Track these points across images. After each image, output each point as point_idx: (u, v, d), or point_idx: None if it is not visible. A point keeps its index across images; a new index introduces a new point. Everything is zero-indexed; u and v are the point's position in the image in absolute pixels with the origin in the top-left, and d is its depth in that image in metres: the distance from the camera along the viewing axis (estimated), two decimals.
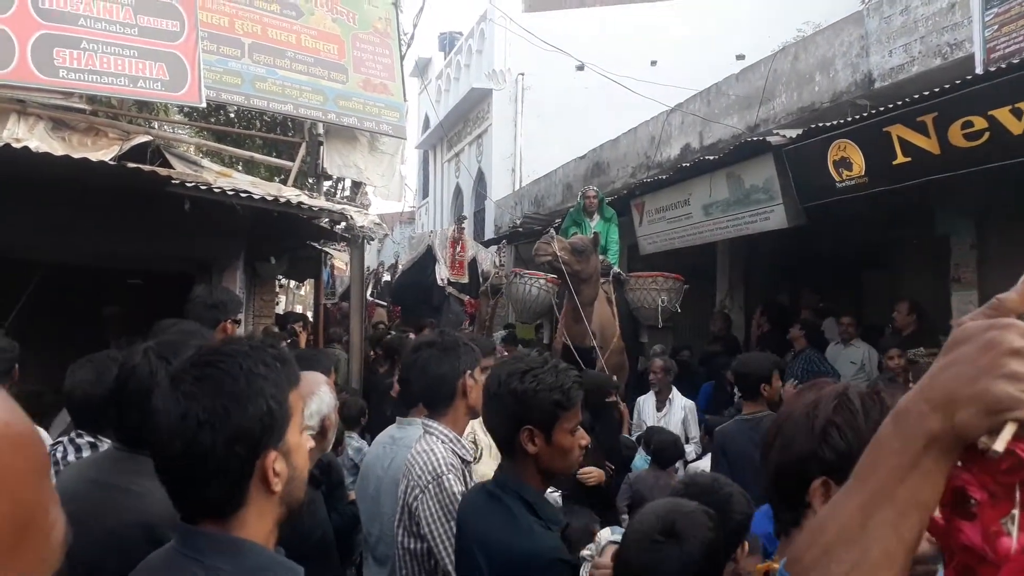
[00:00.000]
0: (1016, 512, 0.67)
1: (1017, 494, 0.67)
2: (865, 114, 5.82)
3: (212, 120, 12.31)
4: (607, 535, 1.86)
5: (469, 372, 2.55)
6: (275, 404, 1.29)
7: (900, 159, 5.48)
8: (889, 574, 0.69)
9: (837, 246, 8.07)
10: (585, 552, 1.90)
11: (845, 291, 8.58)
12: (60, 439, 2.60)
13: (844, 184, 6.03)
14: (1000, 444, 0.65)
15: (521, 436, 1.99)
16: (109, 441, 2.44)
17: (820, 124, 6.23)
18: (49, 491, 0.54)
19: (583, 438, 2.08)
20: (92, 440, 2.54)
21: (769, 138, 6.76)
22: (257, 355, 1.31)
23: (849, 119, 5.95)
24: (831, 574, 0.70)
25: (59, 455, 2.51)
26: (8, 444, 0.51)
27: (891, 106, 5.46)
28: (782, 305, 8.73)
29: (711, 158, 7.65)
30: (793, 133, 6.60)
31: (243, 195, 6.13)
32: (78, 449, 2.54)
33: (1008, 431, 0.65)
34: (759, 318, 8.14)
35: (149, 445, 1.30)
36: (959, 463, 0.70)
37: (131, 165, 5.69)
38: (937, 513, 0.71)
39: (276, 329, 8.35)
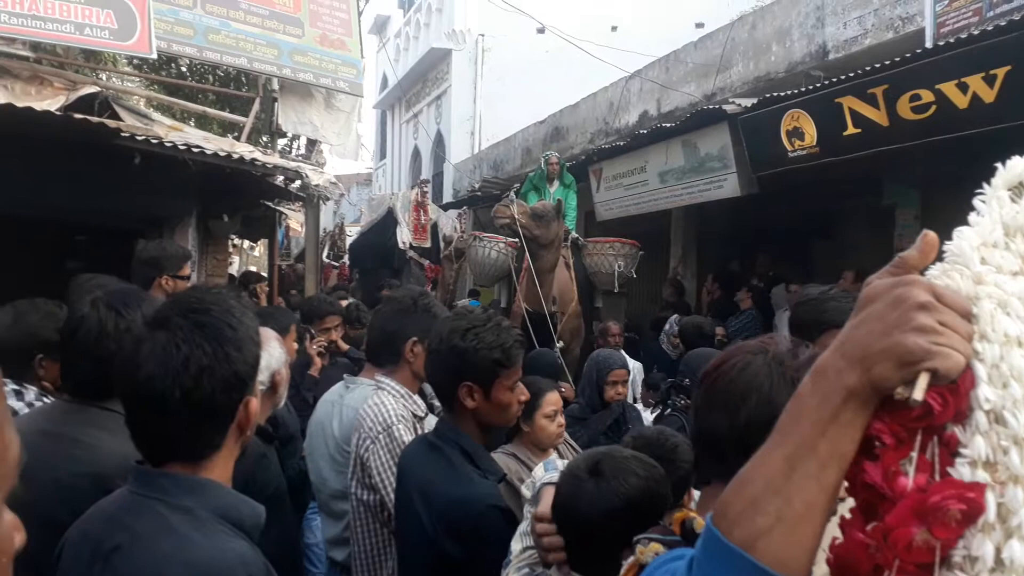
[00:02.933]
0: (914, 454, 0.72)
1: (918, 438, 0.72)
2: (818, 84, 5.92)
3: (163, 73, 11.97)
4: (540, 473, 1.89)
5: (414, 339, 2.54)
6: (258, 351, 1.34)
7: (850, 130, 5.59)
8: (812, 523, 0.73)
9: (788, 215, 8.22)
10: (524, 490, 1.95)
11: (795, 260, 8.77)
12: None
13: (796, 154, 6.14)
14: (919, 393, 0.69)
15: (460, 391, 2.03)
16: (34, 389, 2.41)
17: (774, 94, 6.31)
18: (3, 412, 0.55)
19: (522, 394, 2.13)
20: (17, 388, 2.44)
21: (725, 106, 6.83)
22: (240, 304, 1.36)
23: (803, 89, 6.04)
24: (757, 525, 0.73)
25: None
26: None
27: (843, 77, 5.55)
28: (733, 272, 8.90)
29: (668, 125, 7.70)
30: (748, 102, 6.67)
31: (195, 150, 6.01)
32: None
33: (923, 380, 0.70)
34: (711, 285, 8.30)
35: (127, 393, 1.30)
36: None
37: (78, 116, 5.53)
38: None
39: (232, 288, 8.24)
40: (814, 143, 5.96)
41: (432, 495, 1.98)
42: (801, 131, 6.05)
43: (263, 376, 2.50)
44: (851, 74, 5.47)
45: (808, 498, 0.72)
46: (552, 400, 2.75)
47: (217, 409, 1.29)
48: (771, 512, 0.73)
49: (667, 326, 7.11)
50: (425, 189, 14.23)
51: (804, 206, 7.97)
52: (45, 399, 2.32)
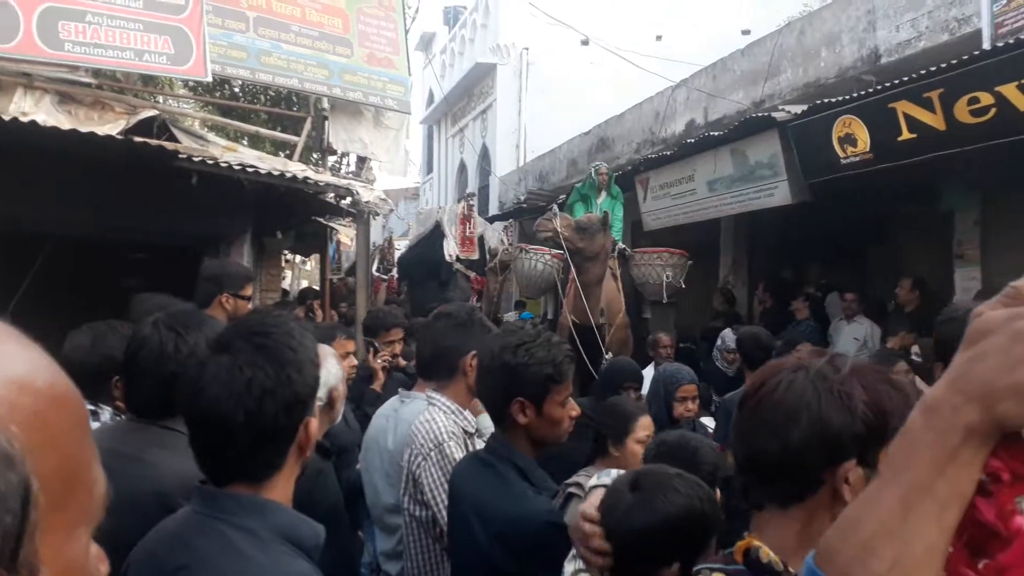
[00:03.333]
0: None
1: None
2: (871, 90, 5.81)
3: (217, 94, 12.29)
4: (593, 480, 1.88)
5: (474, 353, 2.52)
6: (317, 372, 1.37)
7: (905, 135, 5.47)
8: (931, 567, 0.70)
9: (841, 222, 8.07)
10: (572, 488, 1.95)
11: (849, 267, 8.60)
12: None
13: (849, 160, 6.03)
14: None
15: (512, 407, 2.03)
16: (108, 408, 2.48)
17: (825, 100, 6.21)
18: (91, 448, 0.57)
19: (573, 409, 2.11)
20: (93, 408, 2.51)
21: (774, 114, 6.74)
22: (298, 326, 1.39)
23: (855, 95, 5.93)
24: (871, 570, 0.70)
25: None
26: (53, 402, 0.53)
27: (897, 82, 5.44)
28: (785, 281, 8.76)
29: (716, 134, 7.63)
30: (798, 109, 6.58)
31: (249, 170, 6.15)
32: None
33: None
34: (762, 294, 8.17)
35: (191, 415, 1.33)
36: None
37: (137, 139, 5.71)
38: None
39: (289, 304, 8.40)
40: (867, 149, 5.85)
41: (488, 513, 1.99)
42: (854, 137, 5.94)
43: (320, 392, 2.54)
44: (905, 78, 5.36)
45: (928, 541, 0.70)
46: (645, 424, 2.73)
47: (279, 430, 1.31)
48: (887, 556, 0.70)
49: (719, 341, 6.85)
50: (471, 202, 14.32)
51: (858, 213, 7.82)
52: (119, 419, 2.39)
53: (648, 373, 6.37)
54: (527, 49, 17.53)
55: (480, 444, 2.52)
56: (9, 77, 6.62)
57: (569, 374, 2.08)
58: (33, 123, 5.20)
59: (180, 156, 5.78)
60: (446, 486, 2.30)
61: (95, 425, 2.42)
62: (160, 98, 10.29)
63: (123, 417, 2.36)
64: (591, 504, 1.66)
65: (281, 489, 1.35)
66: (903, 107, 5.41)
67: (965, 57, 4.91)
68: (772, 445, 1.13)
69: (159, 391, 1.84)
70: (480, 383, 2.22)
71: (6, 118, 5.18)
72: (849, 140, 5.98)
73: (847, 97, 5.98)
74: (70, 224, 6.50)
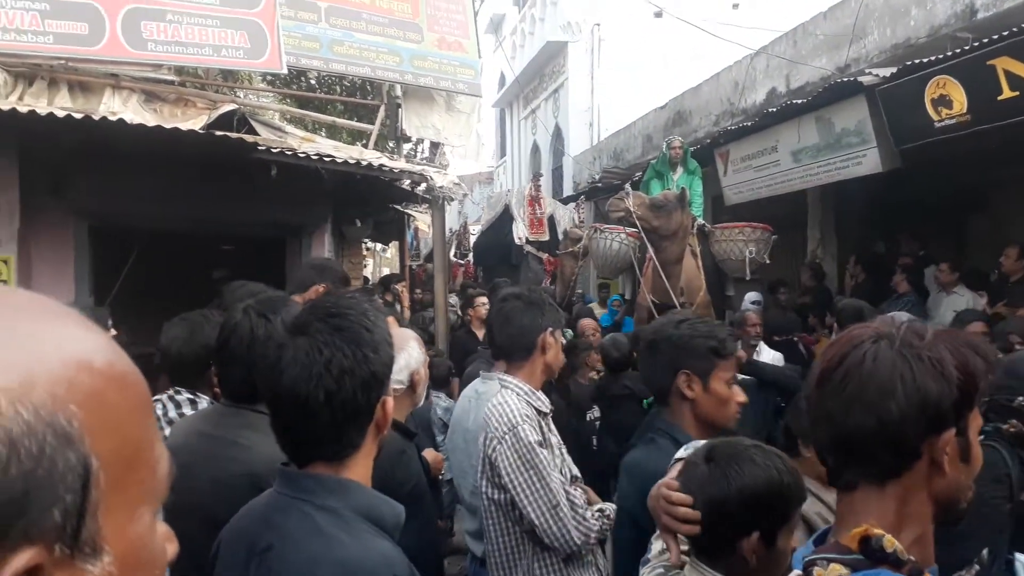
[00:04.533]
0: None
1: None
2: (967, 47, 5.47)
3: (294, 87, 12.56)
4: (681, 452, 1.83)
5: (551, 330, 2.56)
6: (392, 352, 1.38)
7: (1007, 94, 5.14)
8: None
9: (936, 190, 7.67)
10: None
11: (947, 238, 8.17)
12: (159, 396, 2.64)
13: (944, 123, 5.71)
14: None
15: (679, 380, 2.05)
16: (207, 397, 2.56)
17: (917, 61, 5.88)
18: (153, 428, 0.57)
19: (740, 395, 2.09)
20: (191, 396, 2.61)
21: (861, 78, 6.43)
22: (373, 307, 1.41)
23: (949, 54, 5.60)
24: None
25: (159, 411, 2.58)
26: (114, 382, 0.53)
27: (995, 37, 5.11)
28: (878, 254, 8.39)
29: (799, 102, 7.35)
30: (887, 72, 6.26)
31: (327, 159, 6.25)
32: (178, 405, 2.58)
33: None
34: (854, 268, 7.85)
35: (272, 397, 1.35)
36: None
37: (219, 133, 5.87)
38: None
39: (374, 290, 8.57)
40: (964, 111, 5.52)
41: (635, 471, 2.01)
42: (948, 99, 5.62)
43: (403, 375, 2.55)
44: (1005, 32, 5.02)
45: None
46: None
47: (358, 409, 1.32)
48: None
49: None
50: (538, 183, 14.23)
51: (955, 179, 7.41)
52: (215, 404, 2.47)
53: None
54: (598, 25, 17.25)
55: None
56: (97, 78, 6.89)
57: (734, 351, 2.08)
58: (121, 121, 5.39)
59: (259, 148, 5.91)
60: (523, 468, 2.31)
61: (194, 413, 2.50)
62: (240, 93, 10.58)
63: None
64: (671, 476, 1.63)
65: (361, 468, 1.37)
66: (1003, 63, 5.09)
67: None
68: (868, 421, 1.07)
69: (250, 375, 1.88)
70: (642, 361, 2.24)
71: (96, 118, 5.40)
72: (943, 102, 5.66)
73: (941, 57, 5.65)
74: (160, 219, 6.75)
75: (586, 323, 6.25)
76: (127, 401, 0.54)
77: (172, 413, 2.58)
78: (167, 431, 2.55)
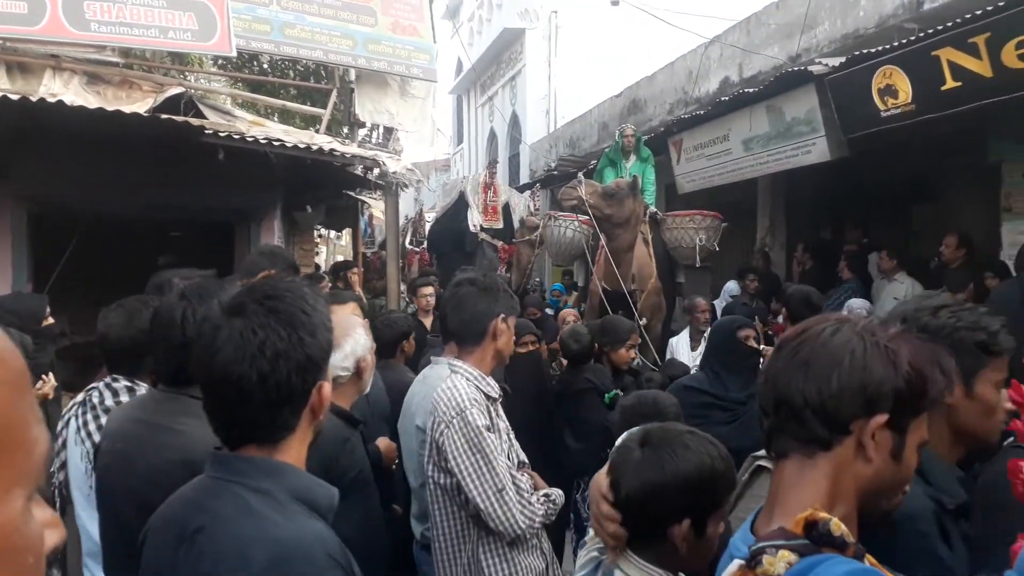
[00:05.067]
0: None
1: None
2: (913, 38, 5.57)
3: (247, 71, 12.29)
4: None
5: (503, 316, 2.55)
6: (331, 336, 1.37)
7: (950, 84, 5.24)
8: None
9: (882, 179, 7.82)
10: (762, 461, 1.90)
11: (892, 225, 8.35)
12: (95, 384, 2.58)
13: (890, 113, 5.81)
14: None
15: None
16: (145, 385, 2.49)
17: (865, 51, 5.98)
18: (29, 408, 0.53)
19: (1008, 402, 1.58)
20: (129, 384, 2.54)
21: (811, 67, 6.52)
22: (312, 291, 1.39)
23: (896, 44, 5.70)
24: None
25: (95, 400, 2.52)
26: None
27: (940, 28, 5.21)
28: (824, 242, 8.55)
29: (751, 91, 7.42)
30: (836, 61, 6.35)
31: (276, 144, 6.13)
32: (115, 393, 2.52)
33: None
34: (802, 255, 7.99)
35: (206, 378, 1.33)
36: None
37: (164, 116, 5.72)
38: None
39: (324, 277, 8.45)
40: (909, 100, 5.63)
41: None
42: (894, 88, 5.72)
43: (348, 363, 2.52)
44: (949, 24, 5.13)
45: None
46: None
47: (292, 392, 1.31)
48: None
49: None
50: (494, 170, 14.19)
51: (900, 168, 7.57)
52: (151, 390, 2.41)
53: (682, 339, 6.30)
54: (556, 12, 17.24)
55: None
56: (37, 59, 6.67)
57: (1008, 348, 1.63)
58: (61, 103, 5.22)
59: (206, 132, 5.78)
60: (470, 452, 2.30)
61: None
62: (191, 76, 10.32)
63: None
64: (600, 474, 1.62)
65: (295, 452, 1.35)
66: (947, 54, 5.19)
67: None
68: (809, 387, 1.10)
69: (184, 359, 1.84)
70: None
71: (34, 99, 5.22)
72: (890, 92, 5.76)
73: (888, 47, 5.75)
74: (104, 204, 6.56)
75: (566, 313, 6.49)
76: None
77: (109, 401, 2.51)
78: (103, 420, 2.49)
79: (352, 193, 10.00)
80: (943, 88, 5.30)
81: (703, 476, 1.50)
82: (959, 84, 5.18)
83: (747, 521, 1.20)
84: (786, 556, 0.99)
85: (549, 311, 8.52)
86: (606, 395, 4.21)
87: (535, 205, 13.85)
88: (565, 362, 4.79)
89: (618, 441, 1.77)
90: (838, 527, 1.01)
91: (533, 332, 4.60)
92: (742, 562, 1.05)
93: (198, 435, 1.75)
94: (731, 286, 8.05)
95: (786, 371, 1.13)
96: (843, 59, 6.24)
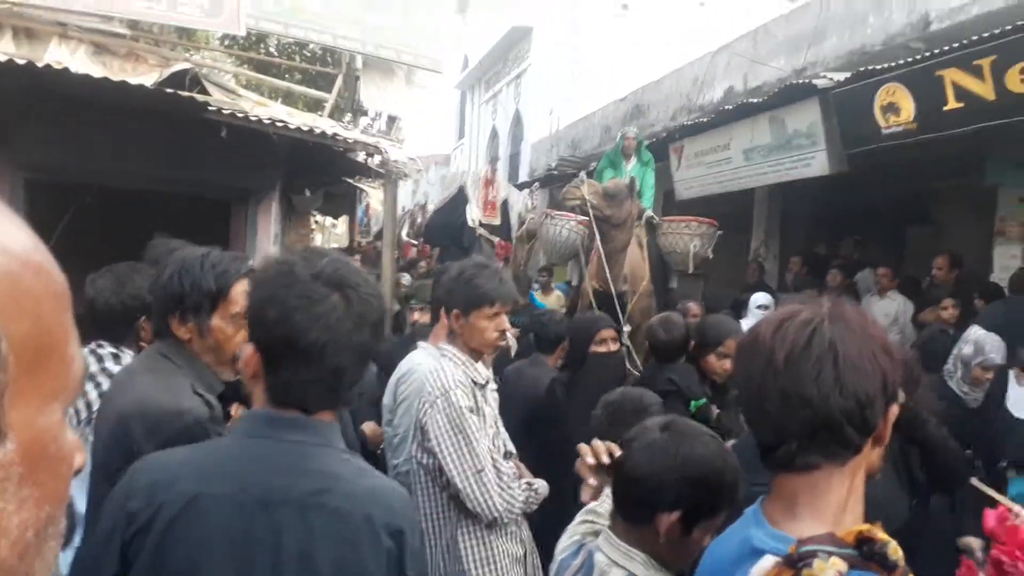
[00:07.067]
0: None
1: None
2: (919, 56, 5.61)
3: (254, 53, 12.28)
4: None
5: (457, 312, 2.48)
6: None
7: (952, 104, 5.28)
8: None
9: (880, 196, 7.87)
10: None
11: (886, 243, 8.40)
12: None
13: (891, 130, 5.85)
14: None
15: None
16: (130, 352, 2.47)
17: (870, 67, 6.02)
18: (70, 326, 0.54)
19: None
20: (114, 351, 2.47)
21: (815, 81, 6.55)
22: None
23: (901, 62, 5.74)
24: None
25: None
26: (31, 269, 0.51)
27: (946, 48, 5.24)
28: (819, 256, 8.60)
29: (755, 101, 7.45)
30: (841, 76, 6.38)
31: (278, 124, 6.13)
32: (100, 359, 2.46)
33: None
34: (798, 268, 8.03)
35: (308, 345, 1.33)
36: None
37: (168, 90, 5.70)
38: None
39: None
40: (911, 119, 5.66)
41: None
42: (897, 106, 5.75)
43: None
44: (955, 44, 5.16)
45: None
46: None
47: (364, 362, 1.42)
48: None
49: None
50: (495, 167, 14.20)
51: (898, 187, 7.61)
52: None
53: None
54: (565, 13, 17.23)
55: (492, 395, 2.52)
56: (45, 26, 6.64)
57: None
58: (66, 70, 5.19)
59: (210, 108, 5.76)
60: (452, 433, 2.33)
61: (117, 368, 2.41)
62: (198, 55, 10.30)
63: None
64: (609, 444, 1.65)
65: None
66: (951, 75, 5.22)
67: (1021, 22, 4.70)
68: (848, 403, 1.05)
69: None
70: None
71: (40, 65, 5.19)
72: (892, 109, 5.79)
73: (893, 64, 5.78)
74: (103, 175, 6.54)
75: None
76: (44, 288, 0.52)
77: (94, 367, 2.46)
78: (87, 385, 2.46)
79: (351, 180, 10.00)
80: (945, 108, 5.33)
81: (708, 475, 1.50)
82: (961, 105, 5.22)
83: (755, 514, 1.15)
84: (837, 564, 0.97)
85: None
86: (692, 402, 3.42)
87: (532, 204, 13.87)
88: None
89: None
90: (896, 552, 0.99)
91: (612, 327, 3.92)
92: (778, 559, 1.01)
93: (139, 389, 1.79)
94: (760, 297, 7.55)
95: (819, 392, 1.06)
96: (848, 74, 6.27)
